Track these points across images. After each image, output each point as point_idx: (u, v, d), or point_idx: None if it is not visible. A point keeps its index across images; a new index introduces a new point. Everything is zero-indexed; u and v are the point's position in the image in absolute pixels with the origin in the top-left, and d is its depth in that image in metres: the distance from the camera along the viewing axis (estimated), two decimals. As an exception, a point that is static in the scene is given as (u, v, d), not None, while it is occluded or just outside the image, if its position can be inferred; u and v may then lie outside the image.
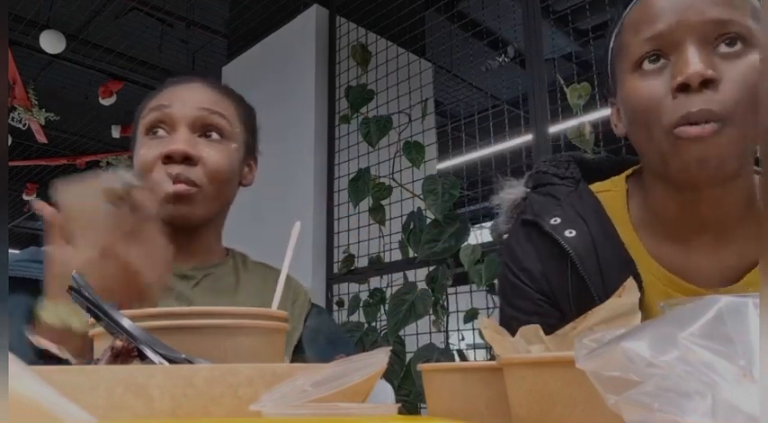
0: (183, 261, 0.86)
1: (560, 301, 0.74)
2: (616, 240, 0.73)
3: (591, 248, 0.71)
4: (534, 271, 0.76)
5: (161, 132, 0.82)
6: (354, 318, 2.51)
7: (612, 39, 0.73)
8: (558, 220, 0.74)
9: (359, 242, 2.59)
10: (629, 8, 0.71)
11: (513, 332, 0.74)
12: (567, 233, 0.73)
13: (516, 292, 0.77)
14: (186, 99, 0.84)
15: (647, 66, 0.65)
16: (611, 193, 0.77)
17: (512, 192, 0.83)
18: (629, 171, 0.80)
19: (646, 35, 0.65)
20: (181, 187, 0.79)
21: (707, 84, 0.60)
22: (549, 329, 0.72)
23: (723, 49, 0.62)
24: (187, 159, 0.80)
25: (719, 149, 0.61)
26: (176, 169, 0.79)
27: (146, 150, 0.81)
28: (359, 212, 2.60)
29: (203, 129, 0.84)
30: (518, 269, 0.78)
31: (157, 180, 0.80)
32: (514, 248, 0.79)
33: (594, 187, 0.79)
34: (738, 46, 0.62)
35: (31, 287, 0.73)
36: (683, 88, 0.61)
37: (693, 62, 0.60)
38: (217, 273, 0.89)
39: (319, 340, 0.89)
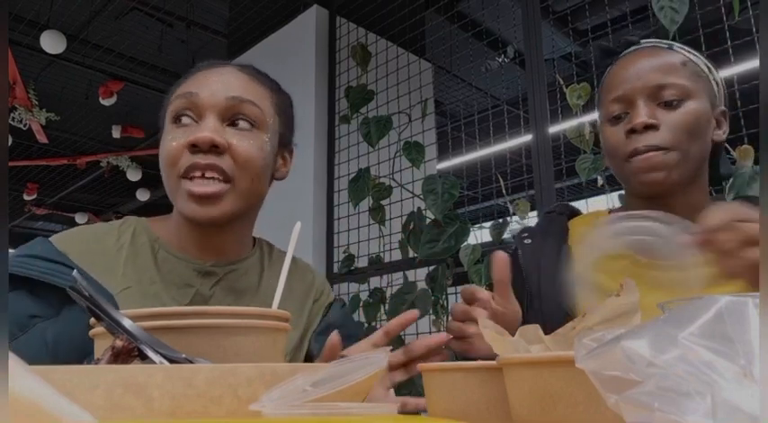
0: (208, 256, 0.83)
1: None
2: (562, 241, 0.97)
3: (538, 250, 0.96)
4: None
5: (186, 120, 0.78)
6: (354, 317, 2.51)
7: (598, 88, 0.99)
8: (526, 235, 1.02)
9: (359, 242, 2.59)
10: (608, 70, 0.96)
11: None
12: (525, 241, 1.00)
13: None
14: (216, 86, 0.79)
15: (614, 120, 0.91)
16: (591, 216, 1.03)
17: (515, 229, 1.13)
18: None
19: (612, 97, 0.91)
20: (208, 190, 0.75)
21: (648, 128, 0.85)
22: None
23: (663, 102, 0.87)
24: (214, 147, 0.75)
25: (660, 165, 0.84)
26: (204, 158, 0.75)
27: (171, 138, 0.77)
28: (359, 212, 2.60)
29: (233, 118, 0.79)
30: None
31: (182, 173, 0.76)
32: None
33: (579, 216, 1.06)
34: (675, 100, 0.86)
35: (29, 286, 0.71)
36: (632, 131, 0.86)
37: (640, 114, 0.86)
38: (240, 268, 0.85)
39: (328, 333, 0.86)
